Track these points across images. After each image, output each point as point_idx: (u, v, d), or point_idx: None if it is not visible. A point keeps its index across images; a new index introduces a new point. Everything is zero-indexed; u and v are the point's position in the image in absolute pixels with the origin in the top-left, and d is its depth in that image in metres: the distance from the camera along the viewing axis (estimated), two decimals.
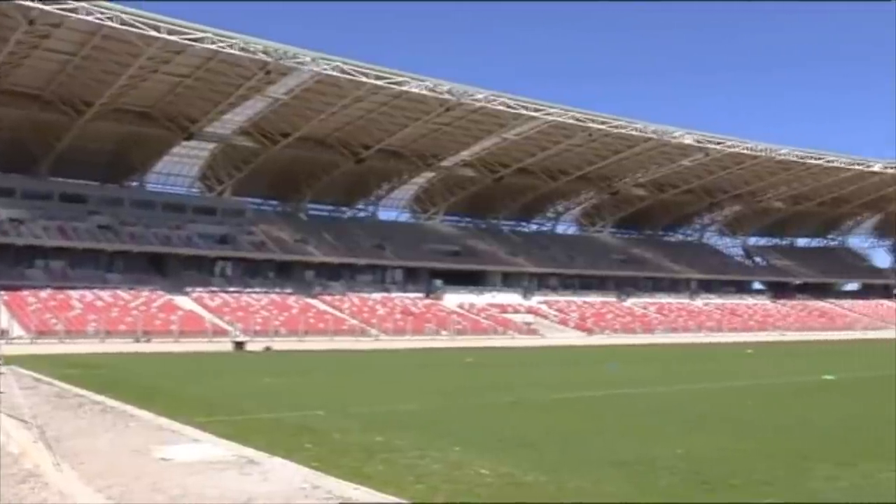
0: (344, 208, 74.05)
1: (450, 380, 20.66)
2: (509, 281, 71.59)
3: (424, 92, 52.24)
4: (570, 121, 59.38)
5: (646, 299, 76.78)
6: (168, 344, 37.84)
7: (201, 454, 7.80)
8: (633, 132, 62.89)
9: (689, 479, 6.86)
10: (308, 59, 47.19)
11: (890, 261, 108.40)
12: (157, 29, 40.99)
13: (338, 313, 54.84)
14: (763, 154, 70.50)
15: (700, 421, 11.38)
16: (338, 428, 10.05)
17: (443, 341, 48.12)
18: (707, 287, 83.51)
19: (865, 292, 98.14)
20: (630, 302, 75.23)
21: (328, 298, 57.94)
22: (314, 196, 70.52)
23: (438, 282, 65.53)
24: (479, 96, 54.45)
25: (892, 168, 79.40)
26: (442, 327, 54.43)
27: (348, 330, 50.72)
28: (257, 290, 56.83)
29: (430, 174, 71.19)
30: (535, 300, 69.43)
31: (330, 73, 48.08)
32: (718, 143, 67.63)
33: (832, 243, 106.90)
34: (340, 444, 8.83)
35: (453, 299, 63.85)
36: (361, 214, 75.03)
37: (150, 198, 59.87)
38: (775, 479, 6.83)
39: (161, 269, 54.74)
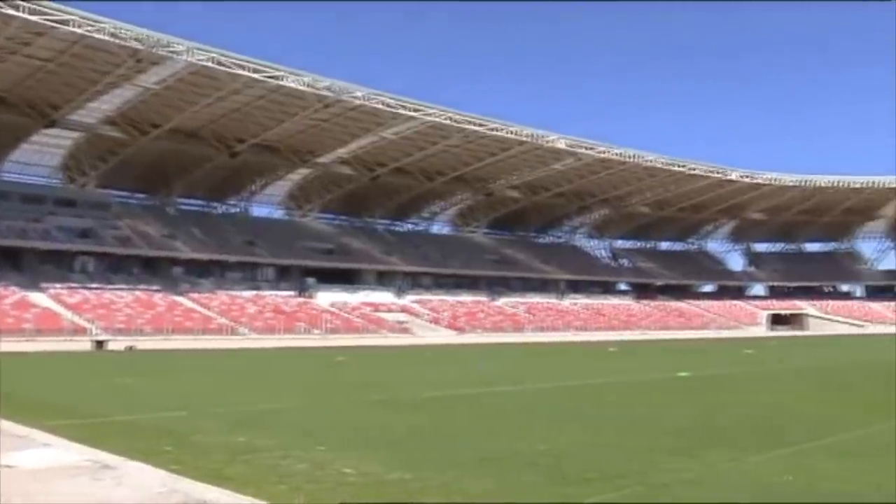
0: (215, 203, 72.11)
1: (319, 379, 20.48)
2: (383, 280, 71.62)
3: (303, 87, 51.58)
4: (448, 122, 59.98)
5: (516, 299, 78.46)
6: (21, 343, 35.73)
7: (51, 460, 7.39)
8: (509, 135, 64.12)
9: (549, 473, 7.05)
10: (182, 48, 45.68)
11: (743, 264, 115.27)
12: (16, 8, 38.71)
13: (206, 311, 53.35)
14: (631, 160, 73.34)
15: (563, 417, 11.72)
16: (200, 429, 9.77)
17: (314, 340, 47.65)
18: (575, 287, 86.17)
19: (720, 293, 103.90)
20: (501, 301, 76.69)
21: (196, 296, 56.28)
22: (184, 190, 68.37)
23: (311, 280, 64.78)
24: (359, 94, 54.22)
25: (746, 178, 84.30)
26: (314, 326, 53.88)
27: (217, 329, 49.44)
28: (121, 286, 54.54)
29: (306, 171, 70.33)
30: (409, 299, 69.76)
31: (205, 64, 46.73)
32: (590, 149, 69.90)
33: (692, 247, 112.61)
34: (202, 445, 8.58)
35: (326, 298, 63.32)
36: (234, 210, 73.32)
37: (6, 188, 56.48)
38: (628, 471, 7.09)
39: (16, 263, 51.70)
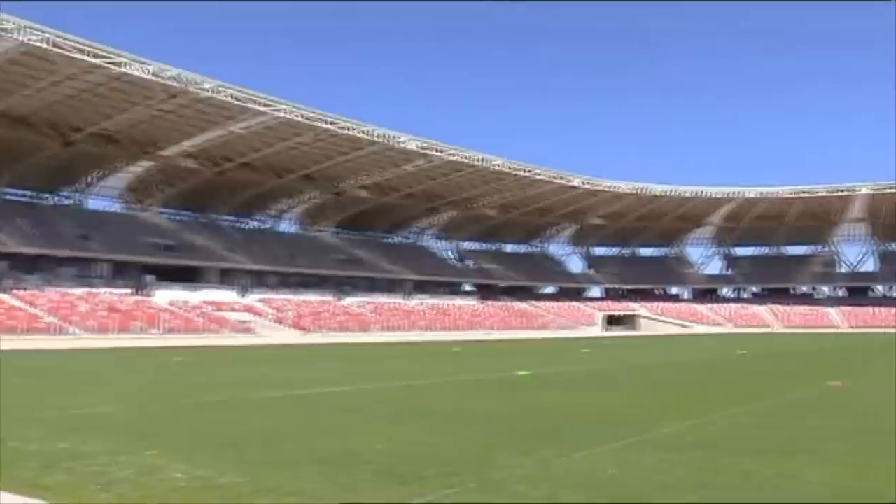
0: (46, 195, 67.78)
1: (153, 380, 19.64)
2: (227, 278, 69.69)
3: (147, 76, 49.27)
4: (300, 119, 59.09)
5: (363, 299, 78.37)
6: None
7: None
8: (361, 135, 63.89)
9: (385, 473, 7.08)
10: (13, 26, 42.41)
11: (582, 266, 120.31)
12: None
13: (32, 309, 50.00)
14: (479, 164, 74.83)
15: (403, 416, 11.80)
16: (17, 436, 9.14)
17: (151, 340, 45.74)
18: (422, 288, 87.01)
19: (561, 295, 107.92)
20: (348, 301, 76.37)
21: (22, 293, 52.65)
22: (11, 179, 63.89)
23: (150, 277, 62.11)
24: (207, 86, 52.42)
25: (588, 184, 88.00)
26: (151, 325, 51.67)
27: (44, 328, 46.48)
28: None
29: (147, 163, 67.29)
30: (253, 298, 68.22)
31: (39, 45, 43.61)
32: (440, 151, 70.76)
33: (535, 250, 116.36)
34: (18, 453, 8.03)
35: (165, 296, 60.89)
36: (67, 202, 69.13)
37: None
38: (464, 469, 7.23)
39: None
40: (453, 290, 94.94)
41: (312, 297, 73.72)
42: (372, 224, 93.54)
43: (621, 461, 7.66)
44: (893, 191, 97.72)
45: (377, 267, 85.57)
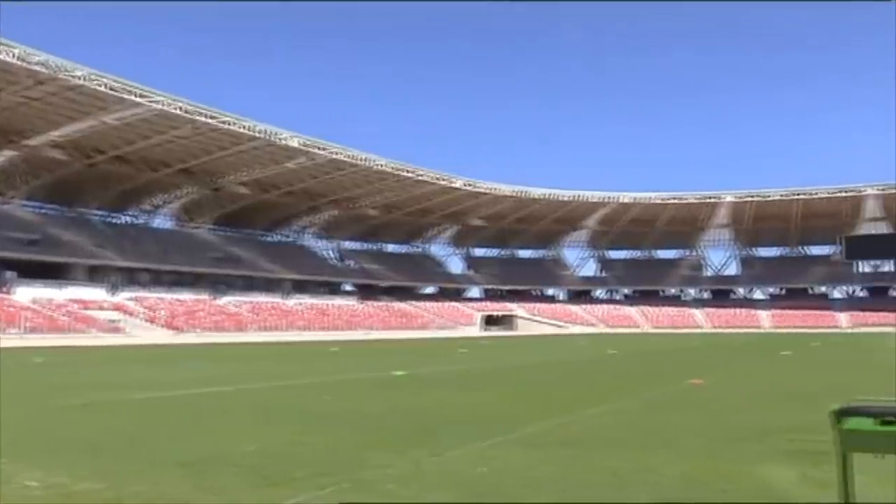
0: None
1: (10, 382, 18.56)
2: (95, 275, 66.75)
3: (11, 60, 46.59)
4: (178, 111, 57.33)
5: (240, 298, 76.76)
6: None
7: None
8: (242, 130, 62.57)
9: (253, 474, 6.96)
10: None
11: (462, 267, 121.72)
12: None
13: None
14: (362, 163, 74.61)
15: (276, 417, 11.63)
16: None
17: (10, 340, 43.28)
18: (301, 287, 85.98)
19: (441, 295, 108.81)
20: (224, 300, 74.61)
21: None
22: None
23: (10, 274, 58.75)
24: (79, 73, 50.07)
25: (469, 186, 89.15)
26: (10, 325, 48.92)
27: None
28: None
29: (10, 153, 63.60)
30: (123, 296, 65.66)
31: None
32: (323, 149, 70.14)
33: (416, 250, 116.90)
34: None
35: (27, 293, 57.79)
36: None
37: None
38: (336, 469, 7.19)
39: None
40: (333, 289, 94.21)
41: (187, 296, 71.57)
42: (251, 222, 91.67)
43: (491, 459, 7.79)
44: (754, 199, 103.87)
45: (255, 265, 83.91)
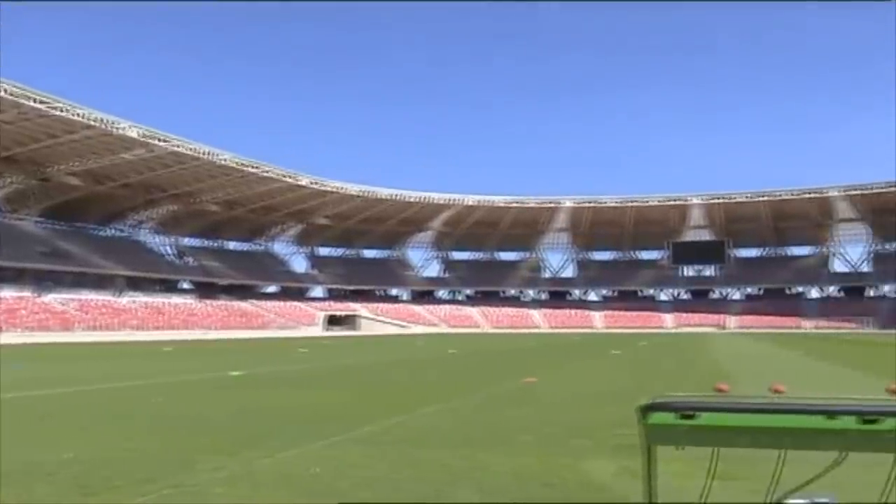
0: None
1: None
2: None
3: None
4: (2, 94, 53.46)
5: (68, 295, 72.53)
6: None
7: None
8: (75, 117, 59.21)
9: (69, 484, 6.57)
10: None
11: (306, 266, 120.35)
12: None
13: None
14: (205, 157, 72.32)
15: (99, 421, 11.03)
16: None
17: None
18: (136, 285, 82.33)
19: (283, 294, 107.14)
20: (50, 297, 70.24)
21: None
22: None
23: None
24: None
25: (315, 184, 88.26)
26: None
27: None
28: None
29: None
30: None
31: None
32: (163, 141, 67.44)
33: (258, 248, 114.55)
34: None
35: None
36: None
37: None
38: (161, 475, 6.91)
39: None
40: (170, 287, 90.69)
41: (7, 293, 66.76)
42: (83, 215, 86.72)
43: (326, 459, 7.74)
44: (591, 205, 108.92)
45: (86, 261, 79.40)
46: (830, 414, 2.48)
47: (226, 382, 18.27)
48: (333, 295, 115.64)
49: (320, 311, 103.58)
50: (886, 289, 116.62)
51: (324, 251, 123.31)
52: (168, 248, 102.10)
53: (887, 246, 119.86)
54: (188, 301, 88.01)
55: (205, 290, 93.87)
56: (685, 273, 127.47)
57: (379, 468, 7.36)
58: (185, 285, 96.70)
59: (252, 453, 8.10)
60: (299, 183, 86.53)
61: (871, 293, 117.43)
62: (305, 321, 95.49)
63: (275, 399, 14.42)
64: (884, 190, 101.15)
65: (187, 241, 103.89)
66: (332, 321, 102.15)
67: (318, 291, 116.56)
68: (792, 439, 2.54)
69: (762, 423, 2.55)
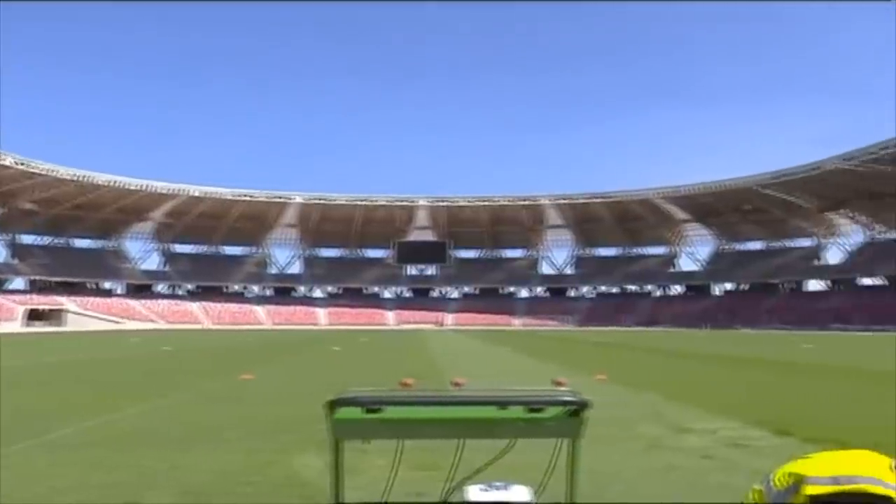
0: None
1: None
2: None
3: None
4: None
5: None
6: None
7: None
8: None
9: None
10: None
11: (5, 255, 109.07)
12: None
13: None
14: None
15: None
16: None
17: None
18: None
19: None
20: None
21: None
22: None
23: None
24: None
25: (22, 165, 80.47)
26: None
27: None
28: None
29: None
30: None
31: None
32: None
33: None
34: None
35: None
36: None
37: None
38: None
39: None
40: None
41: None
42: None
43: (14, 466, 7.19)
44: (321, 202, 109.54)
45: None
46: (501, 405, 2.77)
47: None
48: (37, 287, 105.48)
49: (20, 304, 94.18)
50: (585, 290, 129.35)
51: (28, 239, 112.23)
52: None
53: (587, 251, 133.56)
54: None
55: None
56: (409, 272, 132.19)
57: (70, 474, 6.95)
58: None
59: None
60: (2, 162, 78.15)
61: (573, 293, 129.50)
62: (2, 316, 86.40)
63: None
64: (587, 200, 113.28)
65: None
66: (34, 316, 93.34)
67: (18, 283, 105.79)
68: (469, 429, 2.78)
69: (442, 416, 2.76)
